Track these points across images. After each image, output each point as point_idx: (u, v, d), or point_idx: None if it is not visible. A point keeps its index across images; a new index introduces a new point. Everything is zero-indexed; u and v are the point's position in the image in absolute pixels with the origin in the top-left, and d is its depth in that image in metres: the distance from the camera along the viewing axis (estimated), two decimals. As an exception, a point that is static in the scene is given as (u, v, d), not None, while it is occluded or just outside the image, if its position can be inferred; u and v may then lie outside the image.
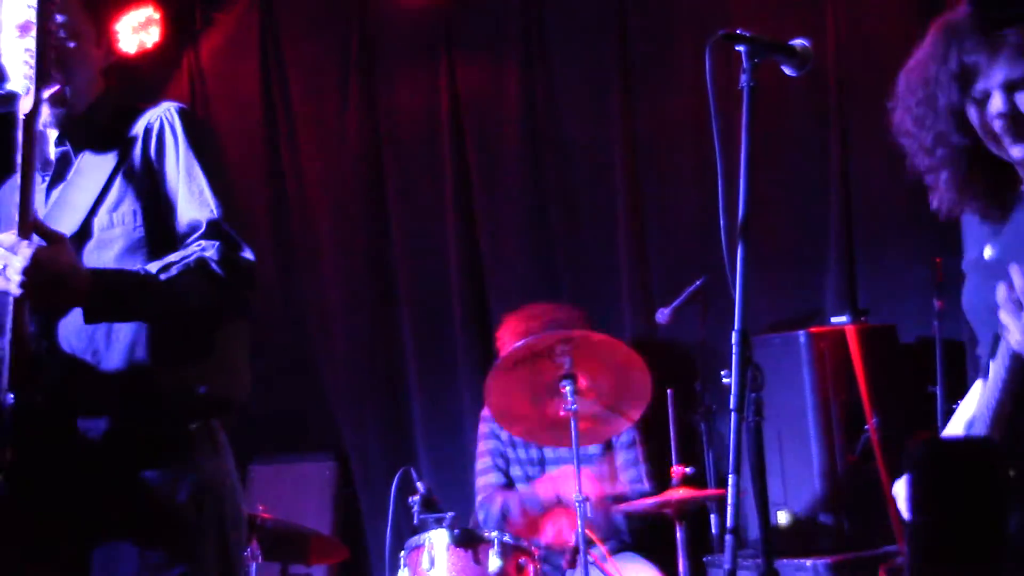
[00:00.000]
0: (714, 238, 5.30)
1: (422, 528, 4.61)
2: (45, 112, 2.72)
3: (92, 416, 2.64)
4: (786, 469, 4.75)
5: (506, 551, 4.43)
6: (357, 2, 6.45)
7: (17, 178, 2.50)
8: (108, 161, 2.79)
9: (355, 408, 6.38)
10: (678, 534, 4.63)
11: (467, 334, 6.04)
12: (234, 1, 6.78)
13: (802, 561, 4.55)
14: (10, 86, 2.59)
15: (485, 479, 5.34)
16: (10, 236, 2.45)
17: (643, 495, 5.04)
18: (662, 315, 5.22)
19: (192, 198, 2.75)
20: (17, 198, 2.48)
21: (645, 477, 5.18)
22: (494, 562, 4.38)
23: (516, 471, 5.33)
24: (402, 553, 4.55)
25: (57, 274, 2.48)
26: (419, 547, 4.47)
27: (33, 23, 2.52)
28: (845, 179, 5.30)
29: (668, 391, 4.85)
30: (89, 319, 2.58)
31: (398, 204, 6.31)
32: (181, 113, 2.85)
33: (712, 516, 5.10)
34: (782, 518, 4.75)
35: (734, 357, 2.56)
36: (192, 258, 2.64)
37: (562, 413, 4.56)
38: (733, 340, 2.58)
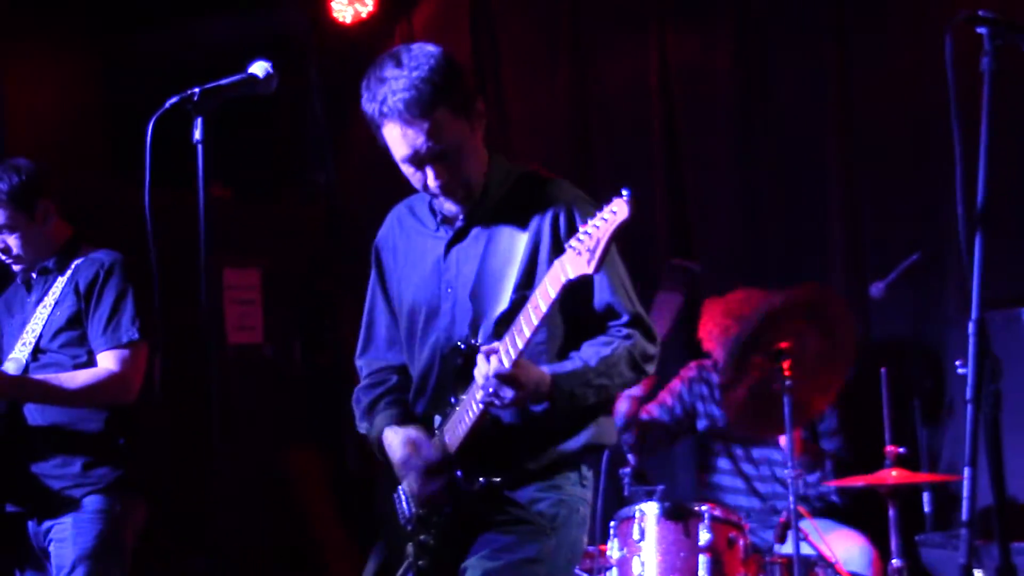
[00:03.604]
0: (929, 213, 5.25)
1: (632, 500, 4.67)
2: (450, 207, 3.18)
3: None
4: (1007, 452, 4.62)
5: (716, 525, 4.45)
6: (567, -26, 6.46)
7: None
8: (519, 237, 3.11)
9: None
10: (890, 512, 4.58)
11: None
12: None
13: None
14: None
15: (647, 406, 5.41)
16: (495, 361, 2.88)
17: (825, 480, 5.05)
18: (876, 289, 5.14)
19: (611, 285, 3.11)
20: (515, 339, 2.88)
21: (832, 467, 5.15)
22: (704, 535, 4.41)
23: (711, 446, 5.35)
24: (612, 524, 4.61)
25: (535, 388, 2.96)
26: (629, 518, 4.52)
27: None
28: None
29: (882, 370, 4.77)
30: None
31: (607, 176, 6.30)
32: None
33: (925, 494, 5.03)
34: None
35: (970, 348, 2.51)
36: (622, 348, 3.10)
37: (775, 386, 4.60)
38: (970, 330, 2.52)
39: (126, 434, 4.30)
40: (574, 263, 2.71)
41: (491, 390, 2.90)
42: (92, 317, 4.27)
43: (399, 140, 3.03)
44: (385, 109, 3.00)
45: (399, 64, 3.00)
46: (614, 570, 4.50)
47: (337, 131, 7.05)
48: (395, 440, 3.23)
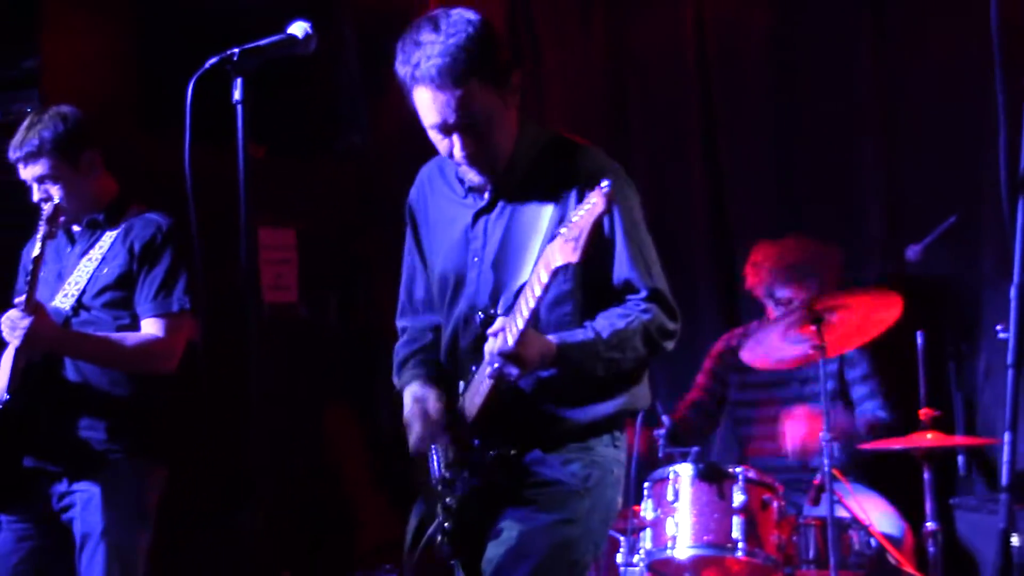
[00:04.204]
0: (966, 177, 5.21)
1: (667, 461, 4.68)
2: (473, 177, 3.15)
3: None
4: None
5: (751, 486, 4.45)
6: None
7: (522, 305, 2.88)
8: (545, 209, 3.09)
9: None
10: (925, 475, 4.57)
11: (709, 265, 6.02)
12: (481, -70, 6.81)
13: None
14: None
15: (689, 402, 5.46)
16: (500, 339, 2.91)
17: (883, 423, 4.99)
18: (913, 252, 5.11)
19: (631, 259, 3.08)
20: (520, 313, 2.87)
21: (884, 407, 5.09)
22: (738, 497, 4.42)
23: (743, 413, 5.34)
24: (646, 484, 4.62)
25: (540, 361, 2.98)
26: (664, 479, 4.53)
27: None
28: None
29: (917, 333, 4.75)
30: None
31: (641, 133, 6.29)
32: (620, 179, 3.11)
33: (959, 457, 5.02)
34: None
35: (1012, 312, 2.49)
36: (638, 321, 3.07)
37: (811, 351, 4.59)
38: (1012, 295, 2.49)
39: (152, 402, 4.20)
40: (563, 250, 2.73)
41: (496, 365, 2.94)
42: (144, 280, 4.14)
43: (429, 106, 3.02)
44: (417, 74, 2.98)
45: (436, 29, 2.99)
46: (648, 531, 4.52)
47: (372, 92, 7.02)
48: (407, 396, 3.32)
